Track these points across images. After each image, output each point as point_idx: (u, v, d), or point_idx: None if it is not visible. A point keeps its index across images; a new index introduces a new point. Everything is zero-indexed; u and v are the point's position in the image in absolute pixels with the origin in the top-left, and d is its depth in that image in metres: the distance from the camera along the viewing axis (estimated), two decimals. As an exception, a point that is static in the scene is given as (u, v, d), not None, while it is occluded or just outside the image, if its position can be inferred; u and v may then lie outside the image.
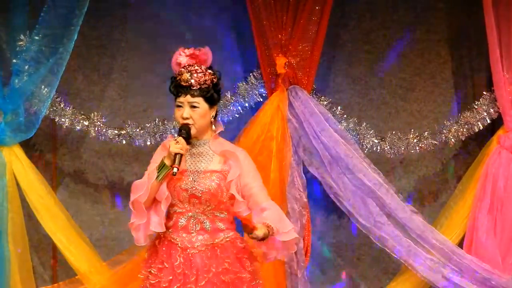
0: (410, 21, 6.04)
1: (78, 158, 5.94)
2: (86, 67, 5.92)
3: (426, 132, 5.89)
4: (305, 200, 5.77)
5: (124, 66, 5.95)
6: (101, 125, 5.72)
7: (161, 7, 5.92)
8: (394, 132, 5.88)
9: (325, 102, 5.84)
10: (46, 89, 5.58)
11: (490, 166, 5.81)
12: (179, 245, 4.53)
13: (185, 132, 4.51)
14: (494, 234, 5.78)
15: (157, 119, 5.76)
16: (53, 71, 5.57)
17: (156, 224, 4.51)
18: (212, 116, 4.60)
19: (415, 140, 5.87)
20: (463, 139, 5.92)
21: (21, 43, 5.57)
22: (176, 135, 4.56)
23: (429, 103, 6.09)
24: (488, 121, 5.86)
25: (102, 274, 5.69)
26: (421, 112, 6.09)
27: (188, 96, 4.54)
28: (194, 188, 4.52)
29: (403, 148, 5.87)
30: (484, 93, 5.90)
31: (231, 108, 5.77)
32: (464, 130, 5.86)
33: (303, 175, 5.79)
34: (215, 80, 4.61)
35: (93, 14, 5.69)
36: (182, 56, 4.60)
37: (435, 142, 5.87)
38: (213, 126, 4.63)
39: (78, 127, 5.71)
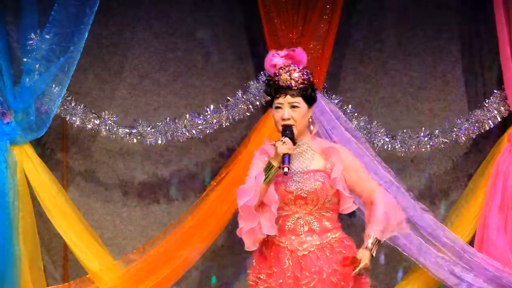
0: (421, 20, 6.04)
1: (89, 157, 5.93)
2: (97, 66, 5.91)
3: (437, 130, 5.89)
4: (316, 198, 5.77)
5: (135, 65, 5.93)
6: (112, 124, 5.71)
7: (171, 5, 5.91)
8: (405, 131, 5.89)
9: (336, 101, 5.84)
10: (57, 88, 5.56)
11: (500, 164, 5.82)
12: (288, 247, 4.46)
13: (289, 132, 4.44)
14: (504, 232, 5.79)
15: (168, 118, 5.75)
16: (64, 70, 5.55)
17: (268, 227, 4.41)
18: (310, 116, 4.54)
19: (426, 139, 5.87)
20: (473, 137, 5.94)
21: (32, 42, 5.56)
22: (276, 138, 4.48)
23: (439, 101, 6.09)
24: (499, 119, 5.88)
25: (113, 273, 5.68)
26: (432, 111, 6.09)
27: (288, 97, 4.46)
28: (299, 189, 4.46)
29: (414, 147, 5.87)
30: (495, 91, 5.91)
31: (242, 106, 5.76)
32: (475, 128, 5.87)
33: (314, 173, 5.79)
34: (311, 79, 4.54)
35: (104, 12, 5.68)
36: (277, 58, 4.53)
37: (446, 140, 5.88)
38: (311, 127, 4.56)
39: (89, 126, 5.69)
